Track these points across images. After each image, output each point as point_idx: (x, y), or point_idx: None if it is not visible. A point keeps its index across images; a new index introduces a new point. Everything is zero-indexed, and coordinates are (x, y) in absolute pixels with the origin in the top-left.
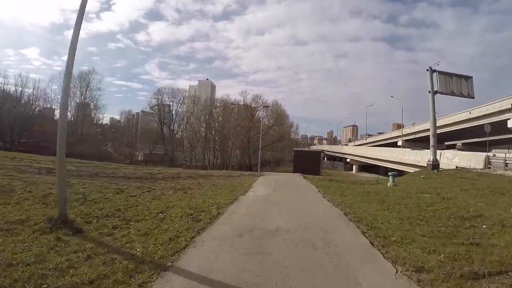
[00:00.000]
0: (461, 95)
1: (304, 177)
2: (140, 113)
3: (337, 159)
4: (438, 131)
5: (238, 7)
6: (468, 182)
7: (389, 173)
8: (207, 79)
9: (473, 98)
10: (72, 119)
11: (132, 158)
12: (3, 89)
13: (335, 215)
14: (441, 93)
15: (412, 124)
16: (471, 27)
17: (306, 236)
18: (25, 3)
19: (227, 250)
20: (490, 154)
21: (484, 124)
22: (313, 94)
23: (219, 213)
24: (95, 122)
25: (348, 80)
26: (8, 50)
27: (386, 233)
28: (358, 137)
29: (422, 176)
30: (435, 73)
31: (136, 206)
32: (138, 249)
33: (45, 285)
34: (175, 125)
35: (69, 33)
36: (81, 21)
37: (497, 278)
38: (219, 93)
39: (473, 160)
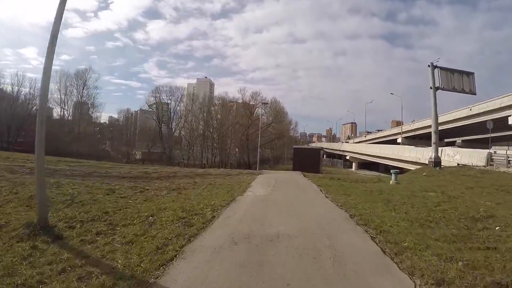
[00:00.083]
0: (462, 91)
1: (304, 175)
2: (138, 112)
3: (336, 157)
4: (439, 128)
5: (236, 5)
6: (471, 179)
7: (391, 171)
8: (206, 77)
9: (475, 94)
10: (69, 117)
11: (130, 157)
12: (0, 89)
13: (340, 218)
14: (443, 89)
15: (412, 121)
16: (470, 25)
17: (309, 244)
18: (25, 3)
19: (220, 261)
20: (492, 151)
21: (485, 121)
22: (311, 92)
23: (214, 216)
24: (93, 120)
25: (347, 77)
26: (7, 50)
27: (397, 238)
28: (357, 135)
29: (424, 173)
30: (436, 69)
31: (126, 208)
32: (120, 261)
33: None
34: (173, 123)
35: (68, 32)
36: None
37: None
38: (218, 91)
39: (475, 157)
